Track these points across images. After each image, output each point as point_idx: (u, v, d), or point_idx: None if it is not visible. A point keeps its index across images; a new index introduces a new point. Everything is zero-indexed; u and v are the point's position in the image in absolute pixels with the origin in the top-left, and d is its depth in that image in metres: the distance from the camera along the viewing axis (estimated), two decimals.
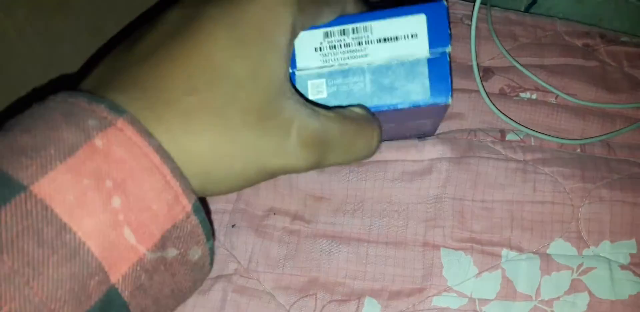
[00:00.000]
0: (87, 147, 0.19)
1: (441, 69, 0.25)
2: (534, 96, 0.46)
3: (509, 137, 0.44)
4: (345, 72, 0.26)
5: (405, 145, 0.44)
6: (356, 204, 0.43)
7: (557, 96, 0.46)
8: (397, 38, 0.25)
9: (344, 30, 0.26)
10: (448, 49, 0.25)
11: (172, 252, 0.21)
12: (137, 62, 0.22)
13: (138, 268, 0.20)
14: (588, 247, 0.40)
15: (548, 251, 0.40)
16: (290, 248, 0.42)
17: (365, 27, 0.26)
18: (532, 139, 0.44)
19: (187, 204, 0.21)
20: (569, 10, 0.52)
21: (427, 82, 0.25)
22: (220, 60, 0.22)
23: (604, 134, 0.44)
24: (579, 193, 0.41)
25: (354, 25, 0.26)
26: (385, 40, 0.25)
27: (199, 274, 0.23)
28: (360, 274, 0.40)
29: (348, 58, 0.26)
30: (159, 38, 0.23)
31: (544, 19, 0.50)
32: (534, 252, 0.40)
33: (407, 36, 0.25)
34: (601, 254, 0.39)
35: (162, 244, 0.20)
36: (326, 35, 0.26)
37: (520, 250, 0.40)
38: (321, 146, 0.25)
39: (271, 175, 0.24)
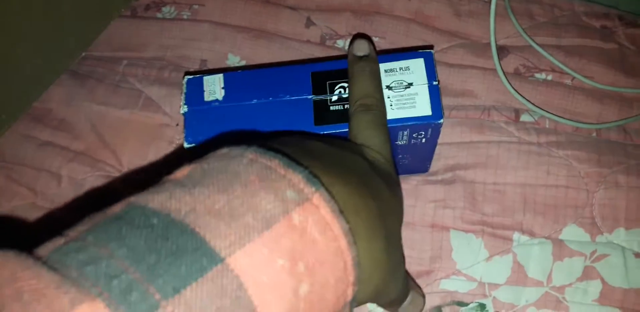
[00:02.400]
0: (286, 221, 0.17)
1: (436, 95, 0.31)
2: (549, 77, 0.45)
3: (523, 118, 0.43)
4: None
5: None
6: None
7: (573, 78, 0.44)
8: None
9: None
10: (437, 82, 0.32)
11: None
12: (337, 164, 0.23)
13: None
14: (602, 233, 0.38)
15: (560, 237, 0.38)
16: None
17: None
18: (547, 121, 0.43)
19: (349, 294, 0.19)
20: None
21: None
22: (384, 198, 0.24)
23: (622, 119, 0.42)
24: (594, 178, 0.40)
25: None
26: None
27: None
28: None
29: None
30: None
31: None
32: (546, 237, 0.38)
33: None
34: (615, 241, 0.38)
35: None
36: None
37: (532, 234, 0.39)
38: None
39: (377, 300, 0.26)
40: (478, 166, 0.41)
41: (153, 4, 0.50)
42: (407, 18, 0.47)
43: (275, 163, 0.18)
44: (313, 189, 0.18)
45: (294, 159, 0.19)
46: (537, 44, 0.45)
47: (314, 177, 0.19)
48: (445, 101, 0.44)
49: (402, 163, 0.38)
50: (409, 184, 0.41)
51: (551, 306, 0.37)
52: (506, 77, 0.43)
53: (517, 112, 0.43)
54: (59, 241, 0.16)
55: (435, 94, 0.31)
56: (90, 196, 0.43)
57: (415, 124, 0.31)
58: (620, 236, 0.38)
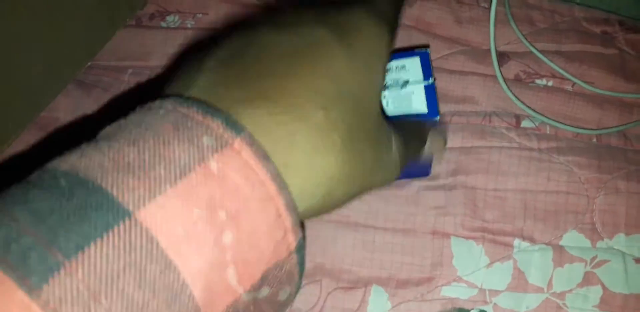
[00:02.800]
0: (201, 170, 0.16)
1: (432, 93, 0.32)
2: (550, 83, 0.45)
3: (524, 124, 0.43)
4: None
5: None
6: None
7: (574, 84, 0.45)
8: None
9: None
10: (433, 80, 0.33)
11: (264, 292, 0.18)
12: (257, 77, 0.20)
13: (231, 310, 0.17)
14: (602, 239, 0.39)
15: (561, 243, 0.39)
16: None
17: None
18: (548, 127, 0.43)
19: (292, 241, 0.18)
20: None
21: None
22: (341, 77, 0.21)
23: (622, 125, 0.42)
24: (595, 184, 0.40)
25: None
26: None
27: None
28: (367, 262, 0.39)
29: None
30: (276, 57, 0.21)
31: (561, 4, 0.49)
32: (546, 244, 0.39)
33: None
34: (615, 247, 0.38)
35: (260, 284, 0.18)
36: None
37: (532, 241, 0.39)
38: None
39: (369, 191, 0.24)
40: (479, 171, 0.41)
41: (157, 13, 0.51)
42: (408, 25, 0.48)
43: (192, 111, 0.18)
44: (234, 133, 0.17)
45: (214, 104, 0.18)
46: (538, 50, 0.46)
47: (235, 121, 0.18)
48: (446, 107, 0.44)
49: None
50: (410, 191, 0.41)
51: None
52: (506, 84, 0.44)
53: (518, 118, 0.43)
54: None
55: (431, 92, 0.32)
56: None
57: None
58: (620, 241, 0.38)
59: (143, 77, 0.48)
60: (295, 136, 0.19)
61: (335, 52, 0.21)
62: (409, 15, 0.48)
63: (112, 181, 0.16)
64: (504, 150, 0.41)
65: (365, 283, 0.38)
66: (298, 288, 0.20)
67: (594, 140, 0.42)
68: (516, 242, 0.39)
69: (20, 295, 0.14)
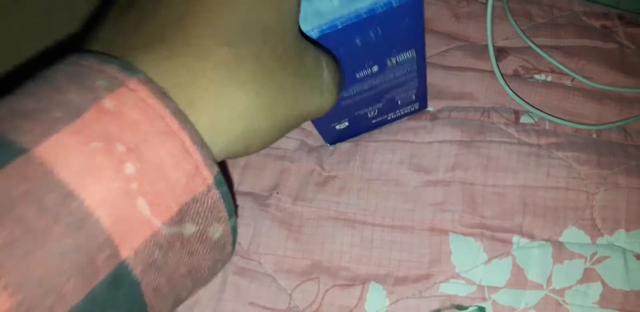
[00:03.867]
0: (95, 109, 0.17)
1: None
2: (549, 78, 0.45)
3: (523, 119, 0.43)
4: None
5: (414, 126, 0.42)
6: (362, 183, 0.41)
7: (573, 79, 0.44)
8: None
9: None
10: None
11: (190, 229, 0.19)
12: (155, 20, 0.20)
13: (152, 243, 0.18)
14: (602, 235, 0.38)
15: (561, 239, 0.38)
16: (292, 230, 0.40)
17: None
18: (547, 123, 0.42)
19: (208, 175, 0.19)
20: None
21: None
22: (245, 10, 0.20)
23: (622, 120, 0.42)
24: (595, 179, 0.40)
25: None
26: None
27: (219, 255, 0.21)
28: (365, 259, 0.39)
29: None
30: None
31: None
32: (546, 240, 0.38)
33: None
34: (616, 243, 0.38)
35: (180, 218, 0.18)
36: None
37: (531, 237, 0.38)
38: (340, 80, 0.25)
39: (305, 119, 0.24)
40: (478, 167, 0.41)
41: None
42: None
43: (89, 61, 0.18)
44: (129, 75, 0.18)
45: (113, 53, 0.19)
46: (536, 45, 0.45)
47: (130, 65, 0.18)
48: (444, 103, 0.44)
49: (394, 99, 0.37)
50: (407, 186, 0.41)
51: (551, 309, 0.36)
52: (505, 79, 0.43)
53: (517, 114, 0.43)
54: None
55: None
56: None
57: (383, 11, 0.26)
58: (620, 237, 0.38)
59: None
60: (198, 75, 0.19)
61: None
62: None
63: (8, 125, 0.16)
64: (503, 146, 0.41)
65: (363, 280, 0.38)
66: (233, 227, 0.20)
67: (594, 135, 0.42)
68: (515, 238, 0.38)
69: None
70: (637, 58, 0.45)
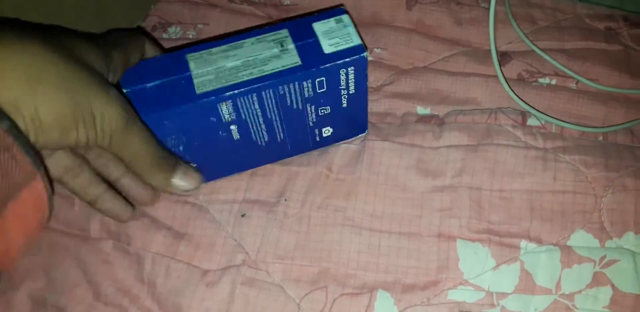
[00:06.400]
0: None
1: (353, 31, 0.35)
2: (553, 82, 0.45)
3: (530, 121, 0.42)
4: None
5: (421, 130, 0.42)
6: (369, 188, 0.41)
7: (577, 81, 0.44)
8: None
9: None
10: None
11: None
12: None
13: None
14: (611, 238, 0.38)
15: (569, 243, 0.38)
16: (300, 237, 0.40)
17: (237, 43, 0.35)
18: (553, 126, 0.42)
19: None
20: None
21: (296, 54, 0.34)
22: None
23: (628, 122, 0.42)
24: (602, 182, 0.39)
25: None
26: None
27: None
28: (372, 266, 0.39)
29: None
30: None
31: (563, 1, 0.48)
32: (554, 244, 0.38)
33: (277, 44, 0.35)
34: (625, 246, 0.38)
35: None
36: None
37: (539, 242, 0.38)
38: None
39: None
40: (485, 171, 0.41)
41: (159, 25, 0.51)
42: (408, 28, 0.48)
43: None
44: None
45: None
46: (540, 48, 0.45)
47: None
48: (449, 109, 0.44)
49: (335, 129, 0.40)
50: (414, 192, 0.41)
51: None
52: (509, 84, 0.43)
53: (524, 116, 0.43)
54: None
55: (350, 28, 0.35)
56: None
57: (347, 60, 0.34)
58: (630, 240, 0.38)
59: None
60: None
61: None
62: (409, 18, 0.48)
63: None
64: (510, 150, 0.41)
65: (371, 288, 0.38)
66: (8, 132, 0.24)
67: (600, 138, 0.42)
68: (523, 243, 0.38)
69: None
70: None
